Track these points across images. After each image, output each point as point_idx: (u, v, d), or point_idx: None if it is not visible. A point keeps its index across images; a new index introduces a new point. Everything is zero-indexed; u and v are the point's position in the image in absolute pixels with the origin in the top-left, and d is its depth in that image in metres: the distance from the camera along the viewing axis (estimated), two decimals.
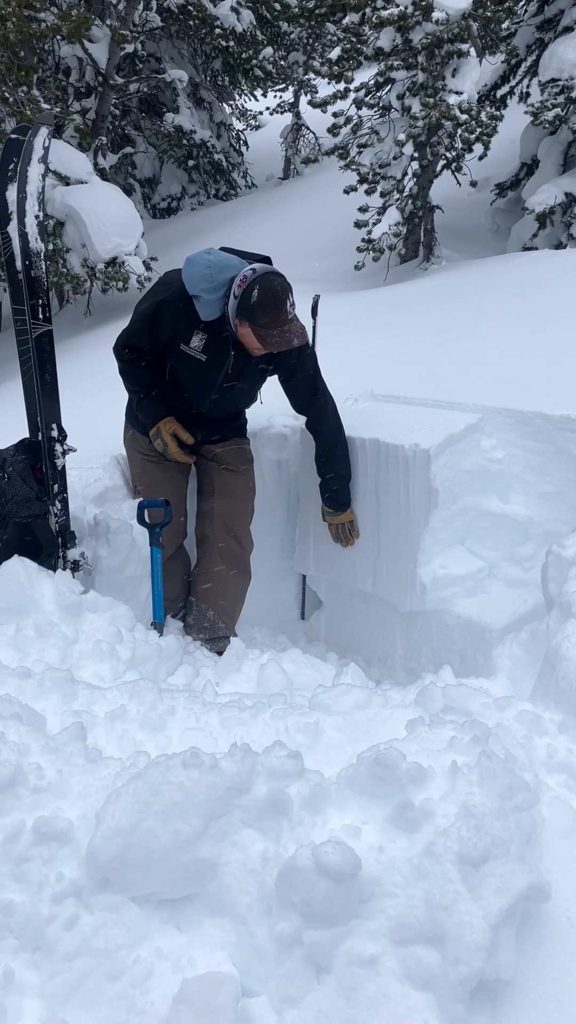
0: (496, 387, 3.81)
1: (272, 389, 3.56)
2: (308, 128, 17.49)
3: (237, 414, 3.64)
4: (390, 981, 1.50)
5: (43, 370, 3.07)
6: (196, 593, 3.56)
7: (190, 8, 12.63)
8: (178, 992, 1.54)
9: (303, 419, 3.65)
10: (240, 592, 3.61)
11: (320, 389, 3.47)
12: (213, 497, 3.54)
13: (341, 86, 8.83)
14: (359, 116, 8.95)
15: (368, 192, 8.83)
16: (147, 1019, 1.52)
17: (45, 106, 9.18)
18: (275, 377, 3.46)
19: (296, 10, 11.72)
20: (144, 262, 9.16)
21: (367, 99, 8.80)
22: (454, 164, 8.86)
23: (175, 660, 2.96)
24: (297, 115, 17.78)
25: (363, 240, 8.78)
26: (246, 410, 3.69)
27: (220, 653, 3.24)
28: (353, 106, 8.87)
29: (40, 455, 3.16)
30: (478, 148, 8.57)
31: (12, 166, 3.02)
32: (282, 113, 18.84)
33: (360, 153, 9.01)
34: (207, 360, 3.22)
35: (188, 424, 3.44)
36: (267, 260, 3.17)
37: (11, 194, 2.99)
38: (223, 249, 3.21)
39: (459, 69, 8.36)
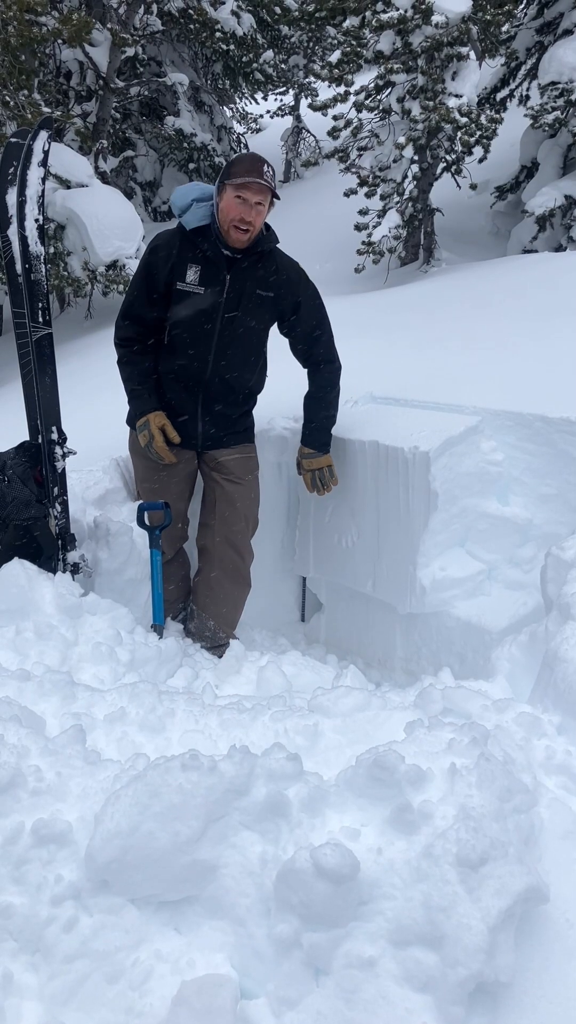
0: (496, 389, 3.81)
1: (272, 387, 3.56)
2: (308, 131, 17.53)
3: (243, 395, 3.48)
4: (389, 983, 1.50)
5: (43, 373, 3.08)
6: (197, 602, 3.55)
7: (191, 12, 12.65)
8: (177, 994, 1.54)
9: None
10: (240, 601, 3.60)
11: (325, 320, 3.48)
12: (215, 509, 3.49)
13: (341, 89, 8.84)
14: (359, 119, 8.96)
15: (368, 195, 8.85)
16: (146, 1021, 1.53)
17: (46, 110, 9.20)
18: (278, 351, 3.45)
19: (296, 14, 11.76)
20: None
21: (367, 102, 8.81)
22: (454, 167, 8.88)
23: (175, 662, 2.96)
24: (297, 118, 17.83)
25: (363, 243, 8.79)
26: (254, 399, 3.57)
27: (220, 656, 3.24)
28: (353, 109, 8.88)
29: (40, 458, 3.16)
30: (478, 151, 8.59)
31: (12, 170, 3.03)
32: (282, 116, 18.90)
33: (360, 156, 9.02)
34: (205, 291, 3.21)
35: (191, 405, 3.37)
36: None
37: (11, 198, 3.00)
38: None
39: (459, 72, 8.38)
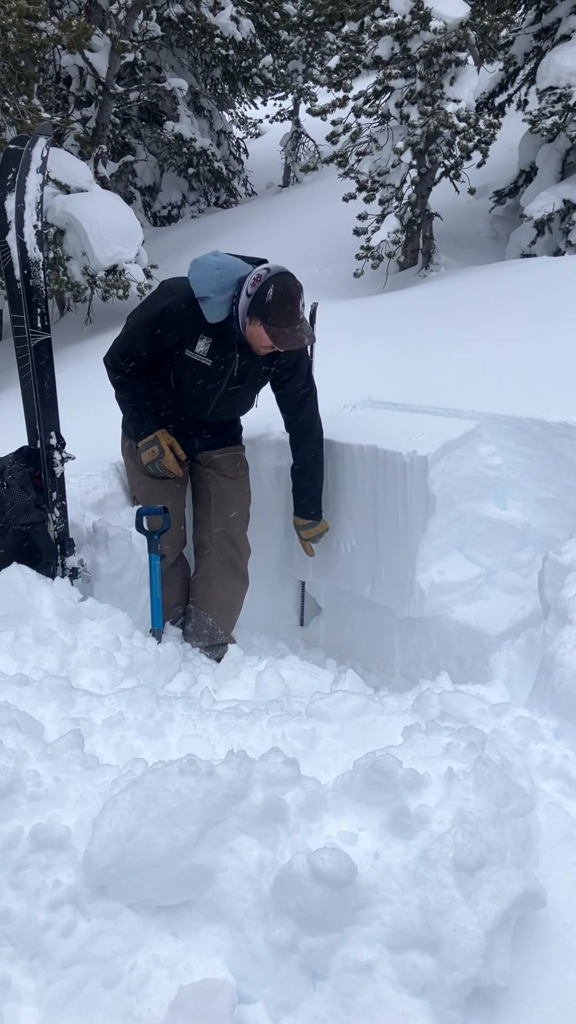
0: (494, 394, 3.82)
1: (269, 391, 3.58)
2: (307, 136, 17.54)
3: (234, 420, 3.65)
4: (386, 987, 1.50)
5: (42, 378, 3.08)
6: (195, 599, 3.57)
7: (190, 17, 12.70)
8: (174, 999, 1.54)
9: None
10: (238, 598, 3.61)
11: (312, 389, 3.51)
12: (210, 503, 3.55)
13: (340, 94, 8.86)
14: (358, 124, 8.98)
15: (367, 200, 8.86)
16: None
17: (46, 115, 9.22)
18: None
19: (295, 19, 11.80)
20: (144, 270, 9.18)
21: (366, 107, 8.83)
22: (452, 172, 8.89)
23: (173, 667, 2.97)
24: (296, 123, 17.84)
25: (362, 247, 8.80)
26: (242, 417, 3.70)
27: (218, 660, 3.25)
28: (352, 114, 8.90)
29: (39, 463, 3.17)
30: (476, 156, 8.60)
31: (11, 176, 3.04)
32: (282, 121, 18.90)
33: (359, 161, 9.03)
34: (212, 364, 3.23)
35: (186, 431, 3.45)
36: (264, 263, 3.21)
37: (10, 204, 3.01)
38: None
39: (457, 77, 8.40)
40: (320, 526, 3.70)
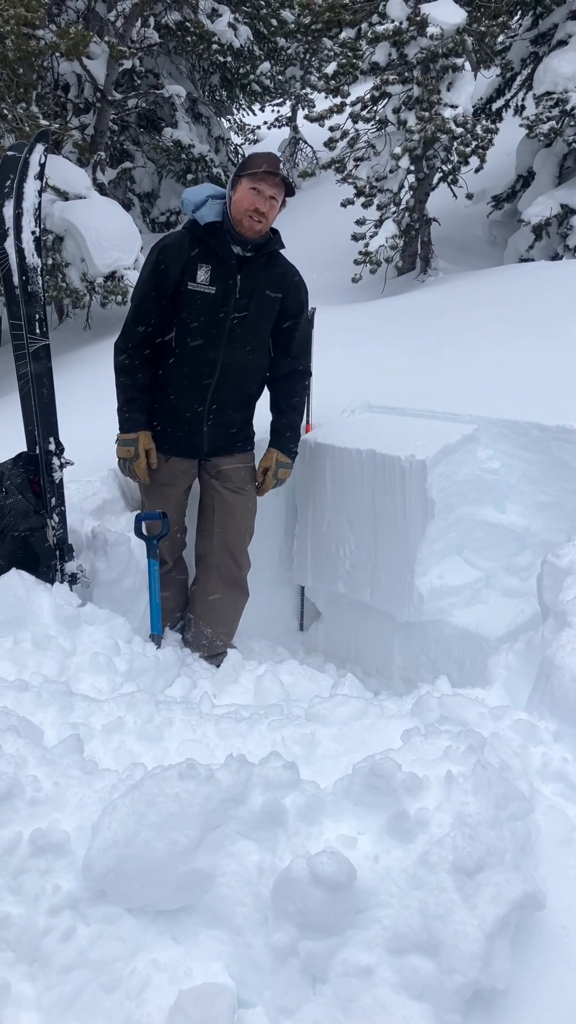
0: (492, 398, 3.83)
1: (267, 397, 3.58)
2: (305, 142, 17.62)
3: (249, 397, 3.47)
4: (386, 991, 1.50)
5: (40, 384, 3.09)
6: (194, 611, 3.55)
7: (187, 24, 12.72)
8: (174, 1003, 1.54)
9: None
10: (237, 610, 3.60)
11: (309, 331, 3.56)
12: (214, 517, 3.48)
13: (338, 100, 8.90)
14: (356, 130, 9.02)
15: (365, 205, 8.89)
16: None
17: (44, 122, 9.24)
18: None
19: (293, 26, 11.80)
20: None
21: (363, 113, 8.87)
22: (450, 177, 8.93)
23: (172, 672, 2.97)
24: (295, 129, 17.92)
25: (360, 253, 8.84)
26: (255, 403, 3.55)
27: (218, 665, 3.25)
28: (350, 120, 8.94)
29: (38, 468, 3.17)
30: (474, 161, 8.64)
31: (9, 183, 3.05)
32: (280, 127, 18.98)
33: (357, 166, 9.07)
34: (216, 291, 3.21)
35: (201, 408, 3.33)
36: None
37: (7, 210, 3.02)
38: None
39: (454, 83, 8.44)
40: (290, 470, 3.59)
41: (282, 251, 3.39)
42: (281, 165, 3.18)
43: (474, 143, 8.34)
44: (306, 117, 9.75)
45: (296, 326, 3.44)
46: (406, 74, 8.37)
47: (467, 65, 8.55)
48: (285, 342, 3.46)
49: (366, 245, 8.82)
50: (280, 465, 3.53)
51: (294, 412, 3.55)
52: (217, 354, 3.28)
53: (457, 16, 8.11)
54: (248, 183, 3.10)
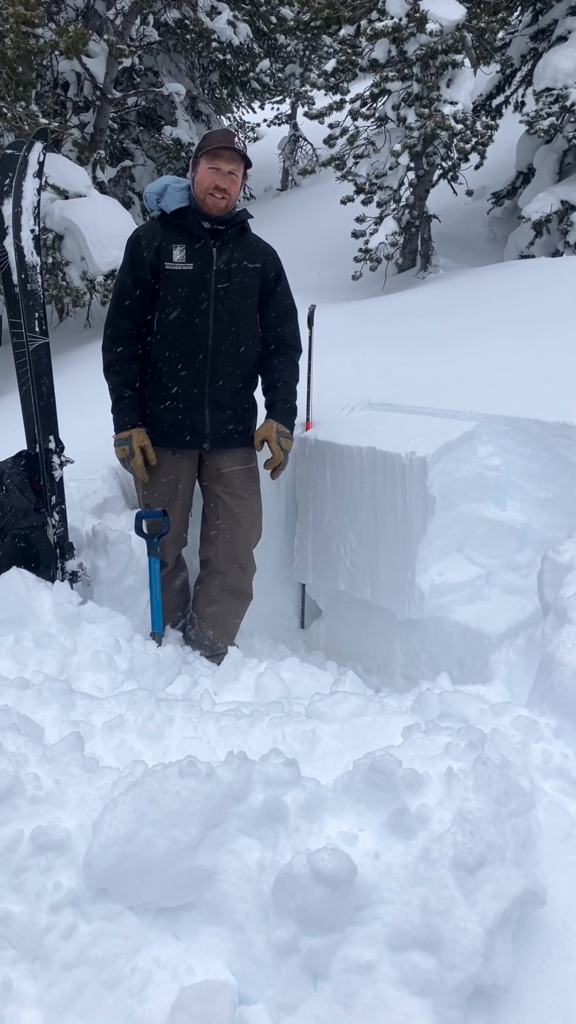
0: (492, 395, 3.83)
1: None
2: (305, 139, 17.59)
3: (247, 373, 3.40)
4: (387, 987, 1.50)
5: (40, 382, 3.09)
6: (197, 612, 3.53)
7: (187, 22, 12.70)
8: (176, 1000, 1.54)
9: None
10: (240, 613, 3.58)
11: (293, 302, 3.53)
12: (218, 523, 3.43)
13: (337, 97, 8.89)
14: (355, 127, 9.00)
15: (365, 202, 8.88)
16: None
17: (43, 121, 9.24)
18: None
19: (292, 23, 11.79)
20: None
21: (363, 110, 8.85)
22: (450, 174, 8.92)
23: (173, 670, 2.97)
24: (294, 127, 17.89)
25: (360, 250, 8.82)
26: (255, 384, 3.50)
27: (219, 663, 3.24)
28: (349, 117, 8.92)
29: (38, 467, 3.17)
30: (474, 158, 8.62)
31: (7, 181, 3.05)
32: (279, 125, 18.96)
33: (356, 164, 9.06)
34: (194, 266, 3.23)
35: (200, 388, 3.29)
36: None
37: (6, 209, 3.02)
38: None
39: (454, 79, 8.42)
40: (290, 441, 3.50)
41: (283, 250, 3.40)
42: (236, 139, 3.24)
43: (474, 140, 8.32)
44: (306, 114, 9.73)
45: (278, 294, 3.45)
46: (406, 71, 8.35)
47: (467, 61, 8.51)
48: (271, 315, 3.44)
49: (366, 242, 8.81)
50: (280, 435, 3.42)
51: (286, 386, 3.46)
52: (206, 329, 3.26)
53: (456, 12, 8.09)
54: (206, 162, 3.17)
